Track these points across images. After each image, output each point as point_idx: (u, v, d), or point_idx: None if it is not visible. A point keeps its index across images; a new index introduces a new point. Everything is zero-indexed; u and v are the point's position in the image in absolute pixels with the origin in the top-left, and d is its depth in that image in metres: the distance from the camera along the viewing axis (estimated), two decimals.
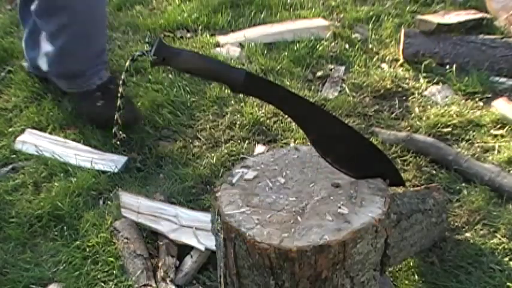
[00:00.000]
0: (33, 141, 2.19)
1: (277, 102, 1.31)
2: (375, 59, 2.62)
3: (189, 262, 1.65)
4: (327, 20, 2.93)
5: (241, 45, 2.78)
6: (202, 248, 1.64)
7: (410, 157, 2.01)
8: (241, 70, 1.22)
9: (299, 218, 1.21)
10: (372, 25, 2.90)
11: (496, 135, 2.09)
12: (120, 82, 1.31)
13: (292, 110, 1.31)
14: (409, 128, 2.16)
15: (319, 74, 2.55)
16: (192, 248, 1.67)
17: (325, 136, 1.33)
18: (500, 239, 1.67)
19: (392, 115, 2.26)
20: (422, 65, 2.49)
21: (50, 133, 2.26)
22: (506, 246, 1.65)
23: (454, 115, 2.19)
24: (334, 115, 1.37)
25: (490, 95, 2.31)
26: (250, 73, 1.24)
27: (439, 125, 2.15)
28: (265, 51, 2.71)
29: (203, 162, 2.05)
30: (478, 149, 2.03)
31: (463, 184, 1.88)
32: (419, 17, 2.72)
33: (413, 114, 2.24)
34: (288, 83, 2.45)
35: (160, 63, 1.19)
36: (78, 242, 1.76)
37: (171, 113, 2.32)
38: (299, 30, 2.82)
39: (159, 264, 1.64)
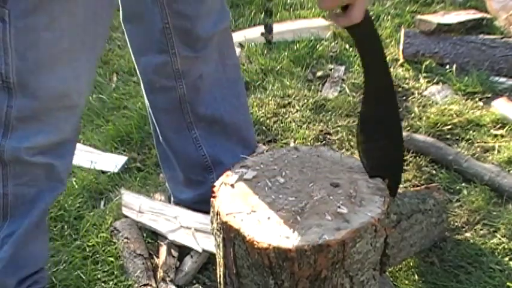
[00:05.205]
0: None
1: (370, 60, 1.26)
2: None
3: (189, 262, 1.65)
4: (327, 20, 2.93)
5: (241, 45, 2.78)
6: (200, 249, 1.64)
7: (410, 157, 2.01)
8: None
9: (298, 218, 1.21)
10: None
11: (496, 135, 2.09)
12: None
13: (375, 79, 1.26)
14: (409, 128, 2.16)
15: (319, 74, 2.55)
16: (192, 248, 1.68)
17: (378, 121, 1.29)
18: (500, 239, 1.67)
19: None
20: (423, 65, 2.49)
21: None
22: (506, 246, 1.65)
23: (454, 115, 2.19)
24: (397, 106, 1.34)
25: (490, 95, 2.31)
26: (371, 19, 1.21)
27: (439, 124, 2.15)
28: (265, 51, 2.71)
29: None
30: (478, 149, 2.03)
31: (463, 184, 1.88)
32: (419, 17, 2.72)
33: (413, 114, 2.24)
34: (288, 83, 2.45)
35: None
36: (78, 242, 1.76)
37: None
38: (299, 30, 2.82)
39: (159, 264, 1.64)
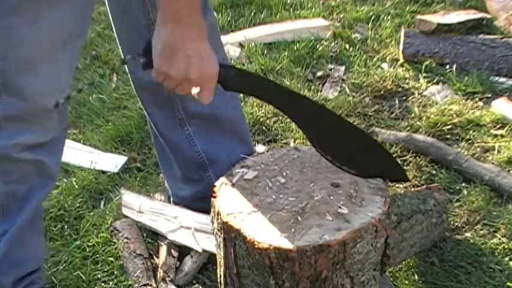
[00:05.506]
0: None
1: (271, 99, 1.30)
2: (375, 59, 2.62)
3: (189, 262, 1.65)
4: (327, 20, 2.93)
5: (241, 45, 2.78)
6: (199, 249, 1.64)
7: (410, 157, 2.01)
8: (231, 66, 1.22)
9: (299, 218, 1.21)
10: (371, 25, 2.90)
11: (496, 135, 2.09)
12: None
13: (287, 107, 1.31)
14: (409, 128, 2.16)
15: (319, 74, 2.55)
16: (192, 248, 1.67)
17: (324, 133, 1.32)
18: (500, 239, 1.67)
19: (392, 115, 2.26)
20: (423, 65, 2.49)
21: None
22: (506, 246, 1.65)
23: (454, 115, 2.19)
24: (332, 111, 1.37)
25: (490, 95, 2.31)
26: (240, 69, 1.24)
27: (439, 124, 2.15)
28: (265, 51, 2.71)
29: None
30: (478, 149, 2.03)
31: (463, 184, 1.88)
32: (419, 17, 2.72)
33: (413, 114, 2.24)
34: (288, 83, 2.45)
35: (151, 65, 1.19)
36: (78, 242, 1.76)
37: None
38: (299, 30, 2.82)
39: (159, 264, 1.64)
